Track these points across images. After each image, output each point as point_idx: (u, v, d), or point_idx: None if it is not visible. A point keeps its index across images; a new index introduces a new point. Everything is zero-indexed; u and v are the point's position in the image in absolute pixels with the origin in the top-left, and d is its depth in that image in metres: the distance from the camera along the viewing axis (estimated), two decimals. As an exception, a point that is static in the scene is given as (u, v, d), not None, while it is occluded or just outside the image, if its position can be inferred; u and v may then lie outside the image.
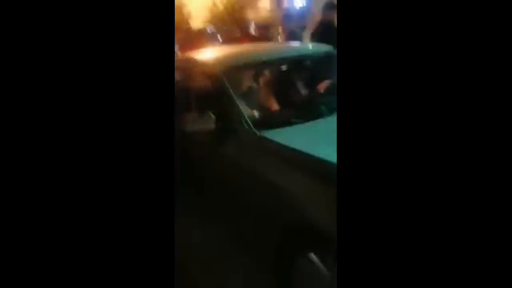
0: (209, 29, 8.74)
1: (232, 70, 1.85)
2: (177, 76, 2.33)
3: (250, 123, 1.53)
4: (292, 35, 4.28)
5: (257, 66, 2.05)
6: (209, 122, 1.55)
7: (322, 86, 1.98)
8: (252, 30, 4.76)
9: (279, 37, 5.55)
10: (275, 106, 1.91)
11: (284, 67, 2.28)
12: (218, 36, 5.37)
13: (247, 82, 2.01)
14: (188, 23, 13.65)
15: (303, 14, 12.64)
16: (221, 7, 15.57)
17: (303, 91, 2.12)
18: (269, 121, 1.61)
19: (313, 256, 1.11)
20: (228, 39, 4.54)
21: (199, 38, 4.54)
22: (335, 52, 2.47)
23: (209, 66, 1.98)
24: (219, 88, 1.72)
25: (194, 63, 2.23)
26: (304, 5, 13.12)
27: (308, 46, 2.97)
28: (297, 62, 2.25)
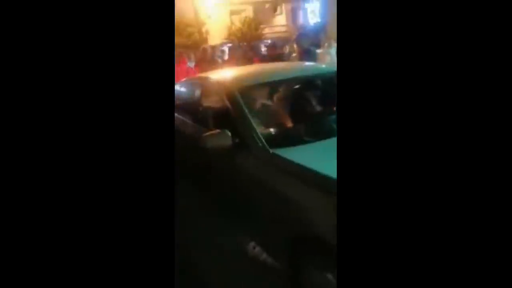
0: (226, 46, 9.05)
1: (247, 89, 2.01)
2: (196, 94, 2.50)
3: (263, 140, 1.64)
4: (306, 53, 4.41)
5: (271, 85, 2.20)
6: (226, 139, 1.69)
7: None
8: (264, 49, 4.96)
9: (294, 54, 5.68)
10: (288, 124, 2.02)
11: (297, 86, 2.39)
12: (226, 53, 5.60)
13: (261, 100, 2.15)
14: (206, 41, 14.13)
15: (317, 30, 12.85)
16: (238, 24, 16.05)
17: (315, 110, 2.21)
18: (282, 138, 1.74)
19: (319, 264, 1.19)
20: (242, 58, 4.72)
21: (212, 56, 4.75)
22: None
23: (225, 85, 2.13)
24: (235, 107, 1.87)
25: (211, 82, 2.40)
26: (319, 20, 13.33)
27: (320, 65, 3.09)
28: (310, 82, 2.35)
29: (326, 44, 5.84)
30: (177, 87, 2.95)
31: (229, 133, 1.70)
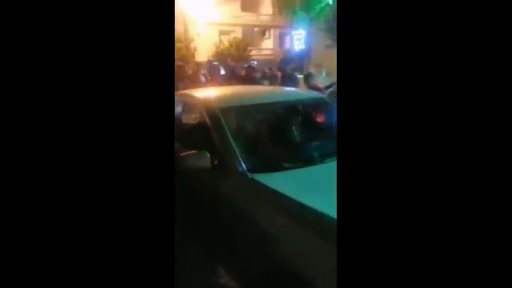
0: (212, 64, 9.16)
1: (229, 110, 1.93)
2: (177, 111, 2.40)
3: (243, 164, 1.57)
4: (288, 77, 4.50)
5: (253, 108, 2.13)
6: (204, 160, 1.61)
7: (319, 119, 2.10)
8: (243, 71, 4.99)
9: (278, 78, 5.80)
10: (268, 149, 2.00)
11: (279, 111, 2.39)
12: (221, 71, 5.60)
13: (242, 123, 2.08)
14: (193, 57, 14.24)
15: (302, 56, 13.35)
16: (227, 44, 16.37)
17: (296, 136, 2.22)
18: (261, 164, 1.67)
19: None
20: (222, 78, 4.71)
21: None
22: (326, 99, 2.62)
23: (207, 104, 2.05)
24: (216, 127, 1.80)
25: (193, 99, 2.32)
26: (303, 47, 13.85)
27: (302, 91, 3.12)
28: (291, 107, 2.36)
29: (311, 70, 6.10)
30: None
31: (208, 154, 1.62)
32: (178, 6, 10.72)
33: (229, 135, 1.73)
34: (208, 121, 1.87)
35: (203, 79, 4.44)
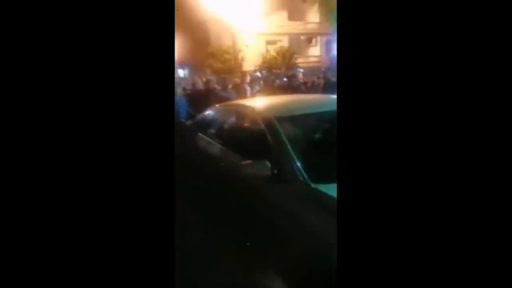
0: (259, 73, 9.34)
1: (285, 119, 1.90)
2: (231, 120, 2.47)
3: (304, 173, 1.53)
4: (334, 85, 4.51)
5: (308, 117, 2.08)
6: (265, 169, 1.59)
7: None
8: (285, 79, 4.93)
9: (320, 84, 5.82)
10: (326, 158, 1.75)
11: (332, 120, 2.11)
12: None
13: (299, 132, 2.00)
14: (241, 67, 14.83)
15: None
16: (273, 53, 16.76)
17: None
18: (322, 173, 1.57)
19: None
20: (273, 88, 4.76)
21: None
22: None
23: (263, 114, 2.05)
24: (274, 136, 1.78)
25: (248, 109, 2.33)
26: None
27: None
28: None
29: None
30: (211, 112, 2.91)
31: (269, 164, 1.59)
32: (226, 19, 11.35)
33: (288, 145, 1.70)
34: (265, 130, 1.87)
35: (248, 89, 4.56)
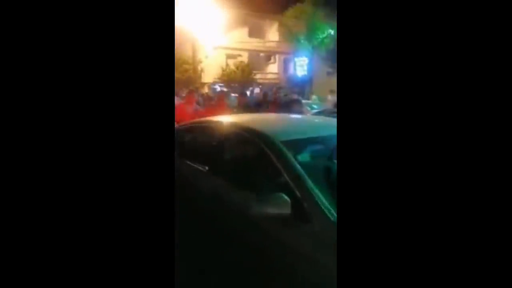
0: (218, 86, 9.26)
1: (292, 144, 1.59)
2: (215, 140, 2.01)
3: (330, 209, 1.21)
4: (294, 102, 4.65)
5: (315, 141, 1.73)
6: (285, 206, 1.25)
7: None
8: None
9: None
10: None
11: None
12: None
13: (311, 159, 1.63)
14: (200, 79, 14.81)
15: (304, 82, 13.91)
16: (233, 67, 17.06)
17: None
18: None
19: None
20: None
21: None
22: None
23: (263, 137, 1.67)
24: (286, 167, 1.44)
25: (241, 129, 1.91)
26: (306, 74, 14.41)
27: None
28: None
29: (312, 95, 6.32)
30: (183, 129, 2.46)
31: (288, 199, 1.26)
32: (188, 29, 11.39)
33: (306, 176, 1.37)
34: (272, 158, 1.52)
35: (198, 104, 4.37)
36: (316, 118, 3.24)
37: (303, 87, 13.24)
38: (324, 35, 13.08)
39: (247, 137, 1.82)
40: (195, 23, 11.02)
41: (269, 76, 19.47)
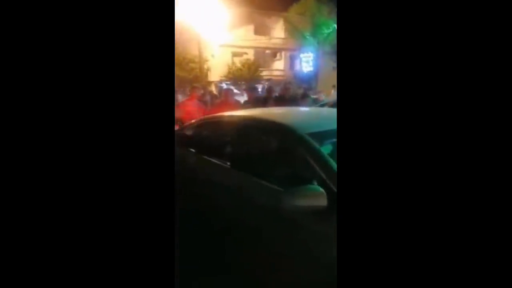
0: (225, 84, 9.25)
1: (317, 136, 1.55)
2: (232, 136, 1.96)
3: None
4: (302, 97, 4.72)
5: (330, 134, 1.62)
6: (321, 198, 1.23)
7: None
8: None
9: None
10: None
11: None
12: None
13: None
14: (207, 77, 14.95)
15: (310, 77, 13.92)
16: (239, 65, 17.17)
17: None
18: None
19: None
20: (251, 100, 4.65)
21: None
22: None
23: (284, 130, 1.65)
24: (316, 158, 1.41)
25: (266, 124, 1.85)
26: (312, 69, 14.42)
27: None
28: None
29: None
30: (198, 125, 2.39)
31: (323, 190, 1.24)
32: (193, 28, 11.55)
33: (335, 167, 1.34)
34: (303, 151, 1.48)
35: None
36: (326, 110, 3.16)
37: (310, 82, 13.26)
38: (329, 30, 13.07)
39: (270, 131, 1.79)
40: (201, 22, 11.16)
41: (275, 72, 19.51)
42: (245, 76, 16.39)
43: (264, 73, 18.09)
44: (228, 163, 1.89)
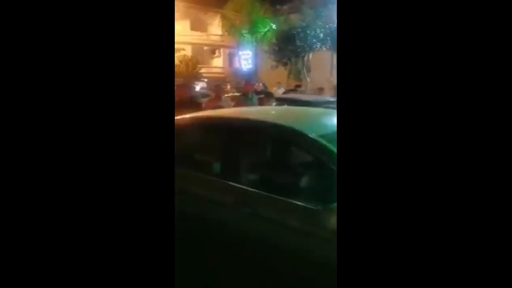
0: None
1: (329, 139, 1.32)
2: (233, 141, 1.62)
3: None
4: (264, 94, 4.65)
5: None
6: None
7: None
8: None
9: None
10: None
11: None
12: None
13: None
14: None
15: (249, 75, 14.13)
16: (176, 61, 16.56)
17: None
18: None
19: None
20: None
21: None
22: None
23: (297, 132, 1.41)
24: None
25: (266, 125, 1.57)
26: (251, 67, 14.64)
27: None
28: None
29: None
30: (185, 123, 1.89)
31: None
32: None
33: None
34: (321, 158, 1.31)
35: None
36: (318, 110, 2.76)
37: (250, 80, 13.41)
38: (266, 29, 13.36)
39: (274, 136, 1.50)
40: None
41: (215, 70, 19.32)
42: (183, 73, 15.87)
43: (203, 70, 17.76)
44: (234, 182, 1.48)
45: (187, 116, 1.95)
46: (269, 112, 2.16)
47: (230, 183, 1.49)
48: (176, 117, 1.88)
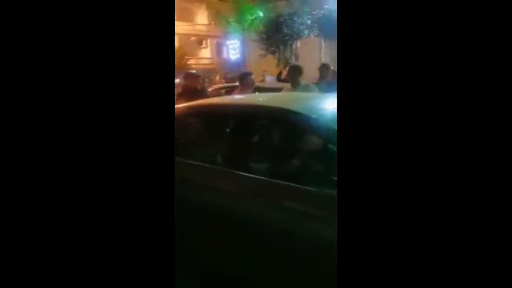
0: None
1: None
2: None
3: None
4: (231, 81, 4.61)
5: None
6: None
7: None
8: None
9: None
10: None
11: None
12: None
13: None
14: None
15: (238, 65, 14.02)
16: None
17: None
18: None
19: None
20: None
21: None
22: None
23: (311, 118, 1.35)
24: None
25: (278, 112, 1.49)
26: (239, 56, 14.50)
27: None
28: None
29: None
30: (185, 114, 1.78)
31: None
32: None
33: None
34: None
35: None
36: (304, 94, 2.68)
37: (238, 70, 13.31)
38: (253, 17, 13.18)
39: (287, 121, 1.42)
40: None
41: (203, 61, 19.07)
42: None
43: (191, 62, 17.50)
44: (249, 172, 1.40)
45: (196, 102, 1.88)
46: (273, 99, 2.04)
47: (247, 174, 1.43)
48: (184, 104, 1.85)
